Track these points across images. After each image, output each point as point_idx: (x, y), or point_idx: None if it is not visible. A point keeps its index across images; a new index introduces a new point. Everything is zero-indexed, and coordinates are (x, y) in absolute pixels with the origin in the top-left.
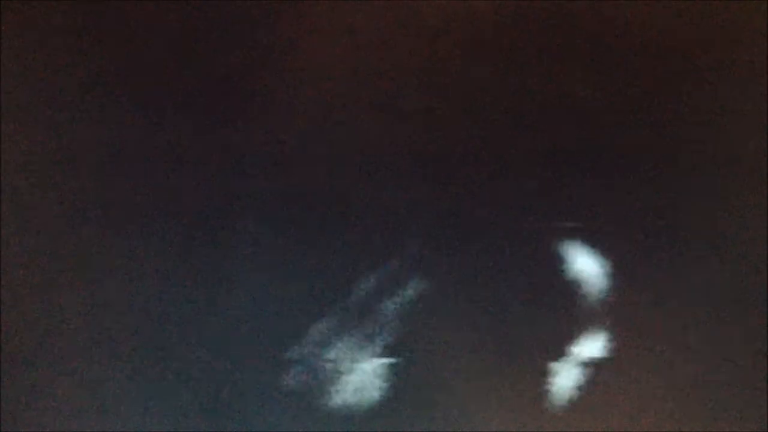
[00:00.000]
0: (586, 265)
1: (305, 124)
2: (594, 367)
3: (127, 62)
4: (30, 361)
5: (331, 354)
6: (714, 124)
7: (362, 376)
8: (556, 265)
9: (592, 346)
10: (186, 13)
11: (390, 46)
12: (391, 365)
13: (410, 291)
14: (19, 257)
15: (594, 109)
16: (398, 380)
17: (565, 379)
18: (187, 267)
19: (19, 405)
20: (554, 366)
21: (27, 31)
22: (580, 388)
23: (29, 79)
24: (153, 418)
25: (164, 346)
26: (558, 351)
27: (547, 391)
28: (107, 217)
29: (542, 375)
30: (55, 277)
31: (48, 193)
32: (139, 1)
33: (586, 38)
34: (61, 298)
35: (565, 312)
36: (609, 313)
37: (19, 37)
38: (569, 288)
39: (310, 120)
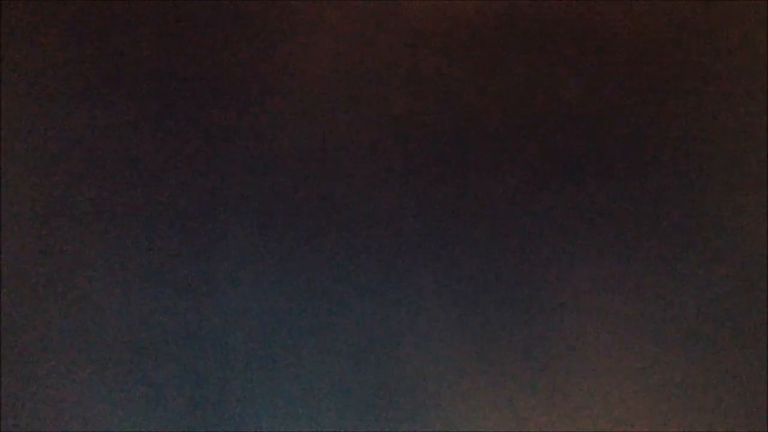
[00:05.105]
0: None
1: (289, 127)
2: (588, 368)
3: (111, 64)
4: (26, 362)
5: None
6: (711, 125)
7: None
8: (547, 266)
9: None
10: (166, 14)
11: (373, 48)
12: (381, 366)
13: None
14: (13, 259)
15: (582, 111)
16: (388, 382)
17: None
18: (179, 269)
19: (18, 405)
20: (547, 367)
21: (27, 31)
22: (573, 389)
23: (28, 79)
24: (147, 419)
25: (156, 349)
26: (552, 352)
27: (538, 393)
28: (95, 221)
29: (535, 376)
30: (46, 278)
31: (32, 195)
32: (125, 1)
33: (573, 39)
34: (51, 299)
35: (559, 313)
36: (604, 314)
37: (19, 37)
38: (562, 289)
39: (293, 122)
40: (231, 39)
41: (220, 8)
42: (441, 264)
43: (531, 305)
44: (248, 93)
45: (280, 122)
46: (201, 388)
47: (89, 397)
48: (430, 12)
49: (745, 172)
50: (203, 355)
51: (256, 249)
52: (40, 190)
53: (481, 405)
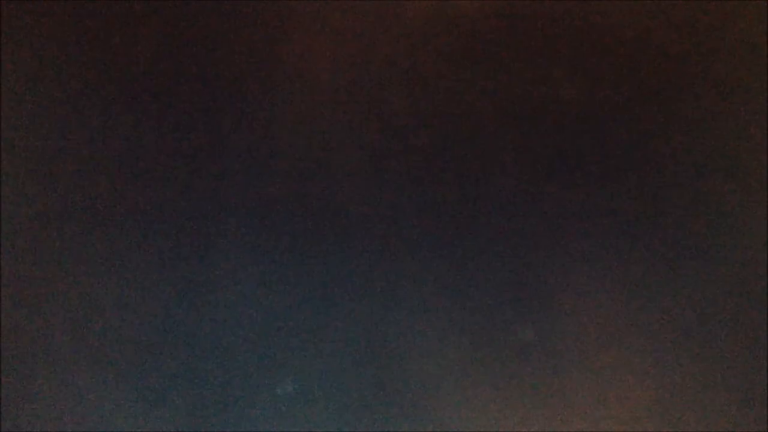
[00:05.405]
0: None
1: (289, 127)
2: (588, 368)
3: (111, 64)
4: (26, 362)
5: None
6: (711, 125)
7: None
8: (547, 266)
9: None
10: (167, 14)
11: (373, 48)
12: (381, 366)
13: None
14: (13, 259)
15: (582, 111)
16: (386, 382)
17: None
18: (179, 269)
19: (18, 405)
20: (547, 367)
21: (27, 31)
22: (573, 389)
23: (28, 79)
24: (147, 419)
25: (156, 349)
26: (552, 352)
27: (538, 393)
28: (95, 221)
29: (535, 376)
30: (46, 278)
31: (32, 195)
32: (125, 1)
33: (573, 39)
34: (51, 299)
35: (559, 313)
36: (604, 314)
37: (19, 37)
38: (562, 289)
39: (294, 122)
40: (231, 39)
41: (220, 8)
42: (441, 264)
43: (531, 305)
44: (248, 93)
45: (280, 122)
46: (201, 388)
47: (89, 397)
48: (430, 12)
49: (745, 172)
50: (203, 355)
51: (256, 249)
52: (40, 190)
53: (481, 405)
